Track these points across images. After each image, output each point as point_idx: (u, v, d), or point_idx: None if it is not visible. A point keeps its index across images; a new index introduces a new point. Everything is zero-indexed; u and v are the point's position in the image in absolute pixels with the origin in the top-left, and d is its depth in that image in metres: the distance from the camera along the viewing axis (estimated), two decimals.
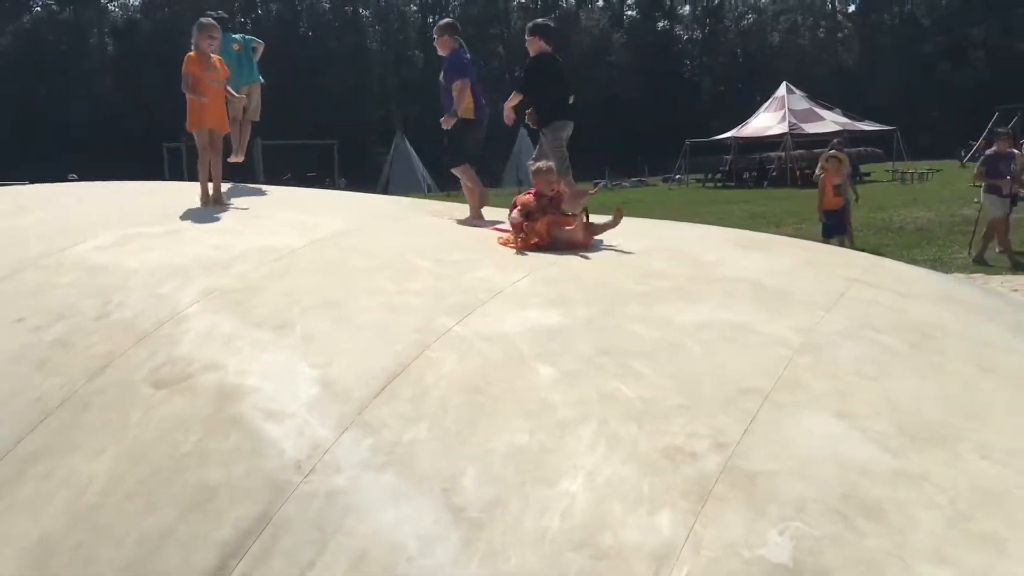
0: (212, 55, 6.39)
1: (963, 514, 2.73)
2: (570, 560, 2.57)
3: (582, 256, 4.89)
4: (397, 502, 2.88)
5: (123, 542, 3.00)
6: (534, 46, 6.40)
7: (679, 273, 4.67)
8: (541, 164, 5.54)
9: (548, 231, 5.16)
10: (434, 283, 4.35)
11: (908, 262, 9.84)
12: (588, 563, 2.57)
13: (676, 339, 3.79)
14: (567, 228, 5.21)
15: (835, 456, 2.98)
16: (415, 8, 71.80)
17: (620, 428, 3.12)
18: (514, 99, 6.39)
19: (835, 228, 11.81)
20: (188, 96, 6.21)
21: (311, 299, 4.15)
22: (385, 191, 36.89)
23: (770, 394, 3.33)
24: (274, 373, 3.62)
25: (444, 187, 44.55)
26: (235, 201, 6.59)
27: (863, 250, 9.79)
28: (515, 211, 5.28)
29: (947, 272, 9.41)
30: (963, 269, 10.03)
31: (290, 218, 5.90)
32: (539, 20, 6.67)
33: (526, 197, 5.38)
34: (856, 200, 13.40)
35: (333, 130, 42.67)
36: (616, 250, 5.15)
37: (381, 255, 4.82)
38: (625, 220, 5.54)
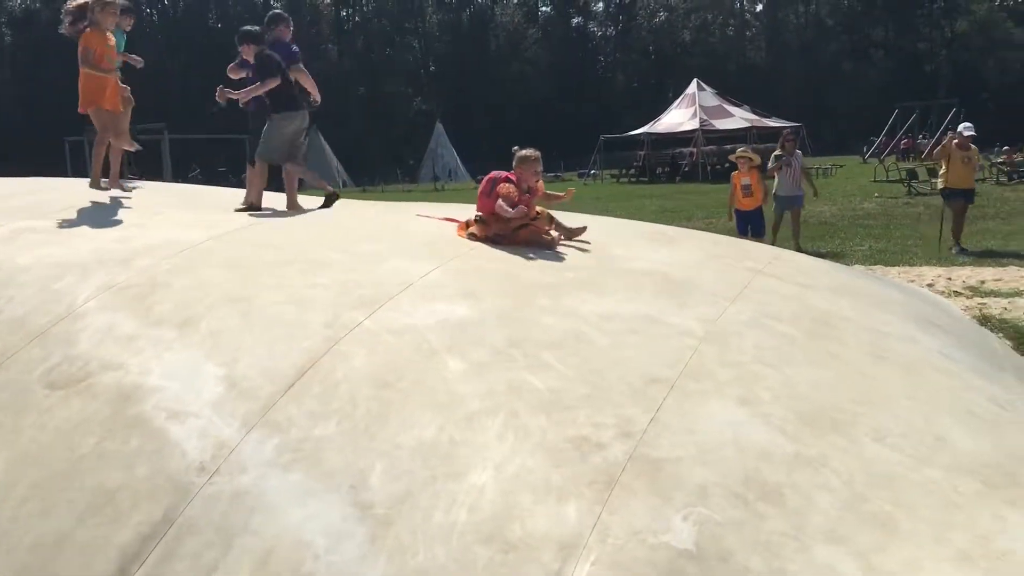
0: (108, 34, 6.17)
1: (858, 495, 2.83)
2: (478, 554, 2.57)
3: (493, 248, 4.89)
4: (304, 500, 2.84)
5: (16, 548, 2.88)
6: (247, 52, 6.63)
7: (588, 265, 4.71)
8: (529, 152, 5.26)
9: (528, 241, 4.98)
10: (344, 276, 4.29)
11: (812, 254, 10.16)
12: (497, 556, 2.57)
13: (584, 331, 3.83)
14: (545, 238, 5.06)
15: (737, 442, 3.05)
16: (328, 1, 70.72)
17: (529, 419, 3.14)
18: (256, 90, 6.42)
19: (747, 228, 11.06)
20: (87, 72, 5.98)
21: (216, 295, 4.05)
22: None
23: (676, 383, 3.39)
24: (177, 372, 3.52)
25: (359, 182, 44.18)
26: (137, 195, 6.39)
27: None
28: (501, 202, 4.92)
29: (848, 264, 9.73)
30: (864, 261, 10.37)
31: (196, 211, 5.75)
32: (242, 28, 6.78)
33: (507, 188, 5.01)
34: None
35: (249, 124, 41.79)
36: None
37: (289, 248, 4.74)
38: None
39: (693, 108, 35.77)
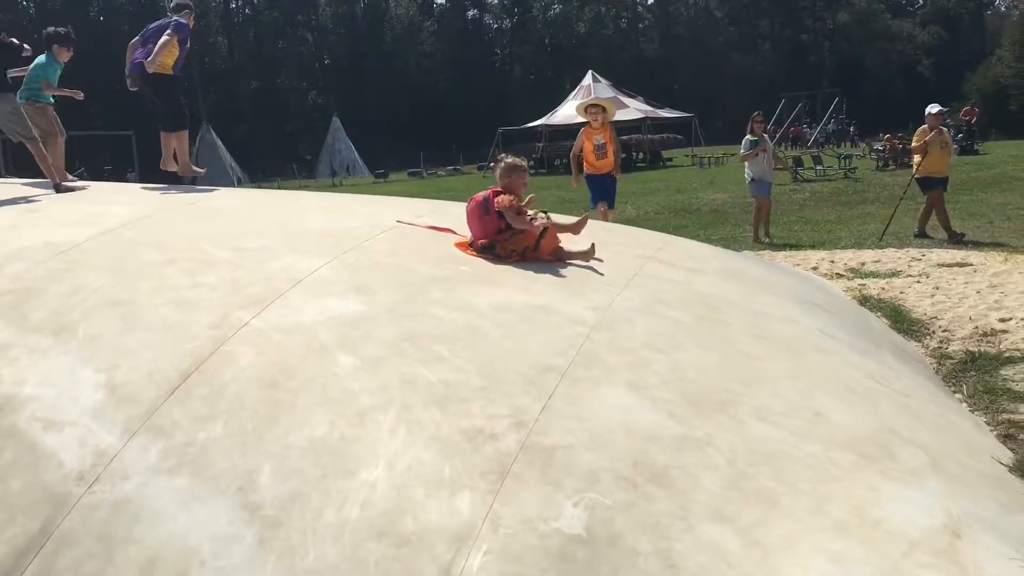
0: None
1: (741, 474, 2.91)
2: (370, 550, 2.55)
3: (385, 242, 4.84)
4: (189, 505, 2.76)
5: None
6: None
7: (480, 258, 4.71)
8: (519, 161, 4.97)
9: (552, 253, 4.72)
10: (232, 274, 4.18)
11: (704, 240, 10.42)
12: (389, 551, 2.56)
13: (477, 323, 3.83)
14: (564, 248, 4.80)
15: (626, 426, 3.11)
16: None
17: (422, 413, 3.12)
18: None
19: (600, 196, 9.53)
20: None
21: (95, 299, 3.89)
22: (192, 183, 35.18)
23: (567, 371, 3.43)
24: (54, 380, 3.37)
25: (254, 178, 43.17)
26: (14, 194, 6.09)
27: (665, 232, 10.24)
28: (513, 215, 4.61)
29: (738, 249, 10.01)
30: (753, 246, 10.70)
31: (74, 209, 5.52)
32: None
33: (507, 199, 4.66)
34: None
35: (134, 120, 40.20)
36: (420, 236, 5.14)
37: (174, 246, 4.59)
38: (434, 206, 5.51)
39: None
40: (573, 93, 38.86)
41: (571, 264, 4.70)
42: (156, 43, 6.99)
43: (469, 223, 4.84)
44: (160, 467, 2.91)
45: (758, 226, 11.69)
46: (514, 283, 4.33)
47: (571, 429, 3.06)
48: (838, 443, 3.18)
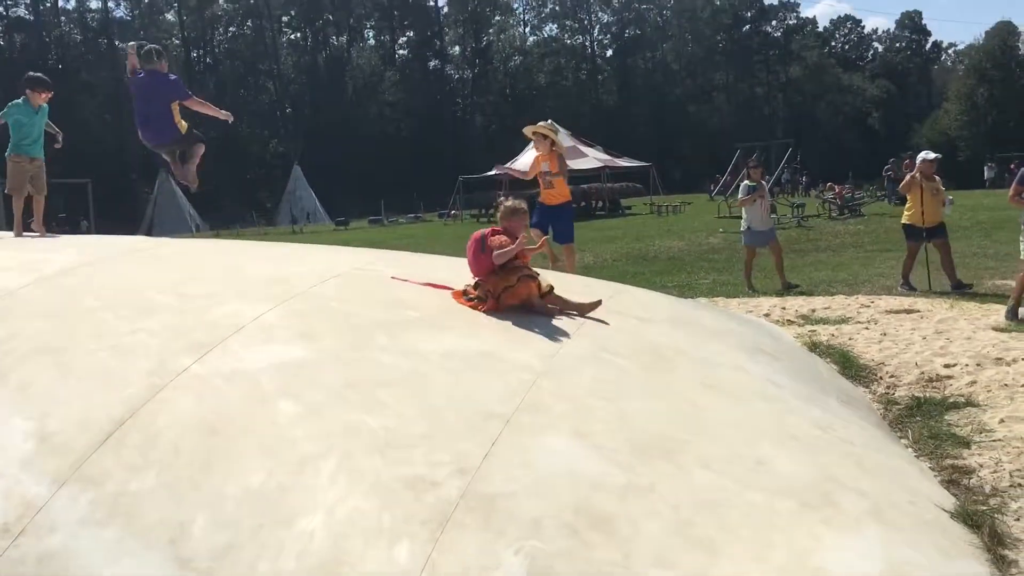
0: None
1: (684, 521, 2.90)
2: None
3: (332, 287, 4.80)
4: (119, 558, 2.68)
5: None
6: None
7: (429, 304, 4.69)
8: (519, 204, 4.94)
9: (529, 301, 4.67)
10: (172, 320, 4.11)
11: (659, 288, 10.50)
12: None
13: (423, 368, 3.80)
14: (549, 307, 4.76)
15: (570, 473, 3.08)
16: (177, 42, 68.79)
17: (363, 460, 3.07)
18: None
19: (548, 228, 8.52)
20: None
21: (28, 346, 3.80)
22: (149, 232, 34.82)
23: (512, 418, 3.40)
24: None
25: (214, 225, 42.84)
26: None
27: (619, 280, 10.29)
28: (496, 251, 4.61)
29: (693, 297, 10.10)
30: (707, 293, 10.78)
31: (13, 256, 5.41)
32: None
33: (500, 239, 4.66)
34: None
35: (92, 168, 39.77)
36: (368, 281, 5.12)
37: (114, 292, 4.51)
38: (383, 253, 5.50)
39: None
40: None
41: (530, 312, 4.69)
42: (161, 110, 7.17)
43: (468, 261, 4.87)
44: (89, 518, 2.82)
45: (750, 275, 11.25)
46: (462, 329, 4.32)
47: (514, 476, 3.03)
48: (780, 491, 3.18)
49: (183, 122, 7.25)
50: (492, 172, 38.48)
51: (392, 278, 5.18)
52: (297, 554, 2.66)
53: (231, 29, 73.96)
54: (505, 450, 3.17)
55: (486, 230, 4.84)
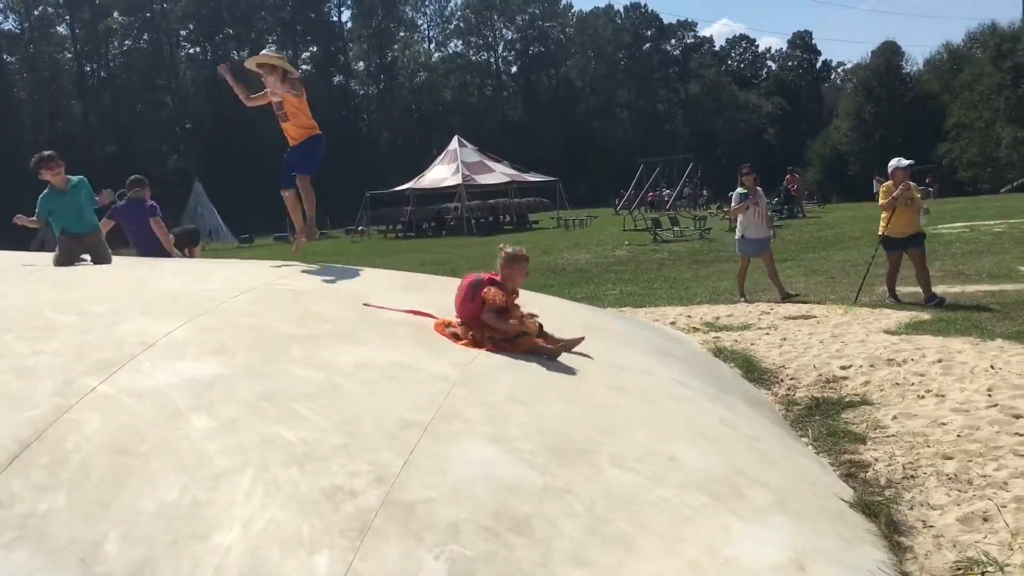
0: None
1: (600, 519, 2.97)
2: None
3: (243, 303, 4.75)
4: None
5: None
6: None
7: (342, 316, 4.69)
8: (520, 251, 4.79)
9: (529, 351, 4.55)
10: (76, 339, 4.00)
11: (568, 299, 10.65)
12: None
13: (338, 380, 3.80)
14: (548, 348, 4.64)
15: (488, 478, 3.13)
16: (70, 56, 66.53)
17: (280, 473, 3.06)
18: None
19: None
20: None
21: None
22: (41, 249, 33.45)
23: (429, 426, 3.43)
24: None
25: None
26: None
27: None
28: (488, 313, 4.54)
29: (602, 307, 10.28)
30: (615, 303, 10.98)
31: None
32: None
33: (493, 293, 4.57)
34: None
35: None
36: (280, 296, 5.07)
37: (12, 313, 4.36)
38: (294, 267, 5.44)
39: (455, 164, 36.74)
40: (440, 158, 39.38)
41: (433, 323, 4.72)
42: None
43: (456, 300, 4.75)
44: None
45: (743, 283, 10.93)
46: (377, 341, 4.33)
47: (433, 483, 3.06)
48: (691, 486, 3.30)
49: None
50: (402, 187, 38.54)
51: (365, 305, 5.04)
52: (215, 568, 2.63)
53: (127, 42, 71.96)
54: (423, 458, 3.20)
55: (484, 275, 4.72)
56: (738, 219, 11.09)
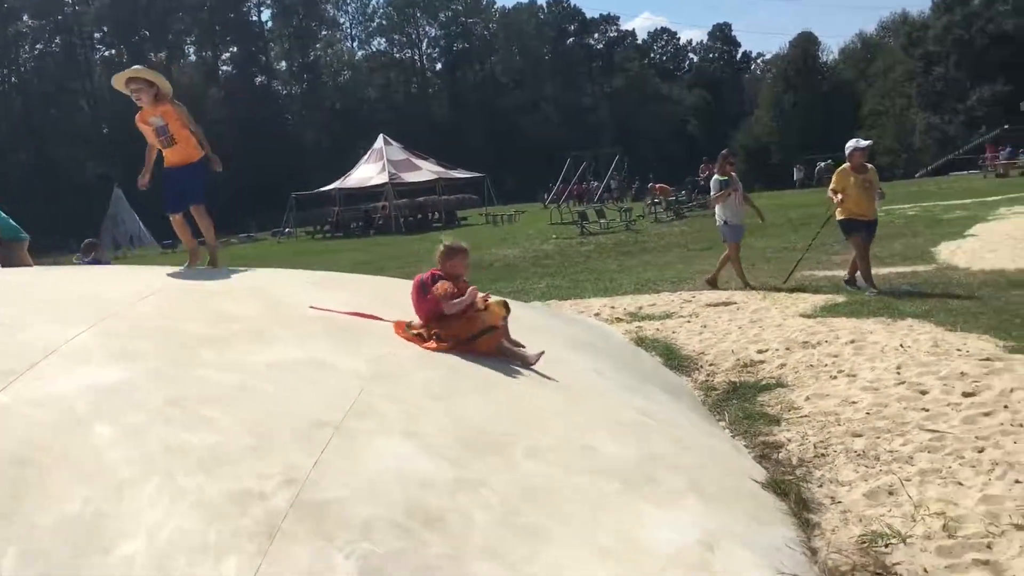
0: None
1: (514, 510, 2.97)
2: None
3: (151, 306, 4.63)
4: None
5: None
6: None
7: (255, 315, 4.60)
8: (460, 244, 4.85)
9: (491, 351, 4.58)
10: None
11: (495, 292, 10.65)
12: None
13: (250, 382, 3.73)
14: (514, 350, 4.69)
15: (401, 474, 3.10)
16: None
17: (186, 480, 2.98)
18: None
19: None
20: None
21: None
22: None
23: (342, 424, 3.39)
24: None
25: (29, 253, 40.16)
26: None
27: None
28: (446, 297, 4.55)
29: (528, 301, 10.31)
30: (541, 296, 11.02)
31: None
32: None
33: (443, 286, 4.59)
34: (762, 220, 11.44)
35: None
36: (190, 298, 4.96)
37: None
38: (203, 269, 5.33)
39: (381, 163, 36.48)
40: (365, 156, 39.05)
41: (349, 320, 4.67)
42: None
43: (413, 303, 4.77)
44: None
45: (742, 270, 10.60)
46: (291, 340, 4.26)
47: (345, 482, 3.02)
48: (606, 473, 3.32)
49: None
50: (328, 187, 38.12)
51: (311, 307, 4.94)
52: None
53: (38, 46, 69.66)
54: (335, 457, 3.16)
55: (425, 274, 4.75)
56: (717, 208, 10.85)
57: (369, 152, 38.93)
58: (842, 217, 9.32)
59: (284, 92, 78.46)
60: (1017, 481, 3.63)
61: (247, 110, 68.52)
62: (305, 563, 2.62)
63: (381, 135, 39.23)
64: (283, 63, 78.44)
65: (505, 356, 4.64)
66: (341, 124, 72.86)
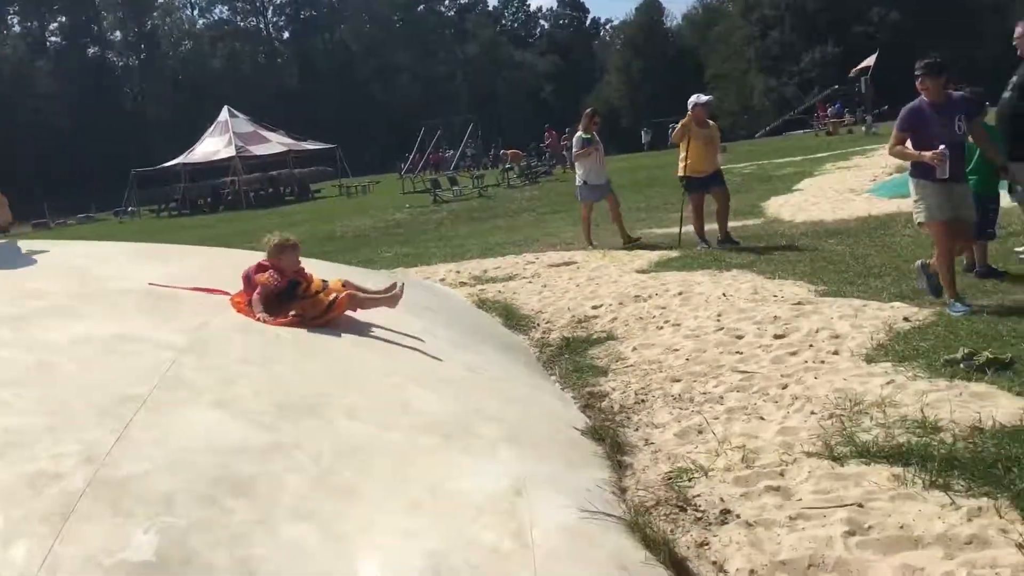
0: None
1: (327, 470, 2.96)
2: None
3: None
4: None
5: None
6: None
7: (61, 290, 4.39)
8: (288, 238, 4.70)
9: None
10: None
11: (343, 262, 10.53)
12: None
13: (52, 360, 3.56)
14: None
15: (210, 443, 3.03)
16: None
17: None
18: None
19: None
20: None
21: None
22: None
23: (150, 397, 3.28)
24: None
25: None
26: None
27: None
28: (256, 298, 4.43)
29: (376, 269, 10.23)
30: (389, 265, 10.89)
31: None
32: None
33: (266, 276, 4.49)
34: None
35: None
36: None
37: None
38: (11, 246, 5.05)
39: (227, 136, 35.20)
40: (210, 130, 37.53)
41: (166, 292, 4.51)
42: None
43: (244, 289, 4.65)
44: None
45: (588, 231, 10.51)
46: (98, 315, 4.09)
47: (149, 456, 2.93)
48: (424, 429, 3.36)
49: None
50: (171, 163, 36.54)
51: (151, 284, 4.73)
52: None
53: None
54: (139, 432, 3.06)
55: (252, 266, 4.67)
56: (577, 166, 10.67)
57: (214, 125, 37.43)
58: (683, 174, 9.47)
59: (121, 64, 74.40)
60: (812, 412, 3.89)
61: (80, 84, 64.65)
62: (100, 541, 2.53)
63: (226, 107, 37.78)
64: (118, 33, 74.29)
65: (365, 307, 4.73)
66: (186, 97, 69.69)
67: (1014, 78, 6.52)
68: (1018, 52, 6.66)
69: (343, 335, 4.40)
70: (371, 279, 6.00)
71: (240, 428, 3.17)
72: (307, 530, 2.66)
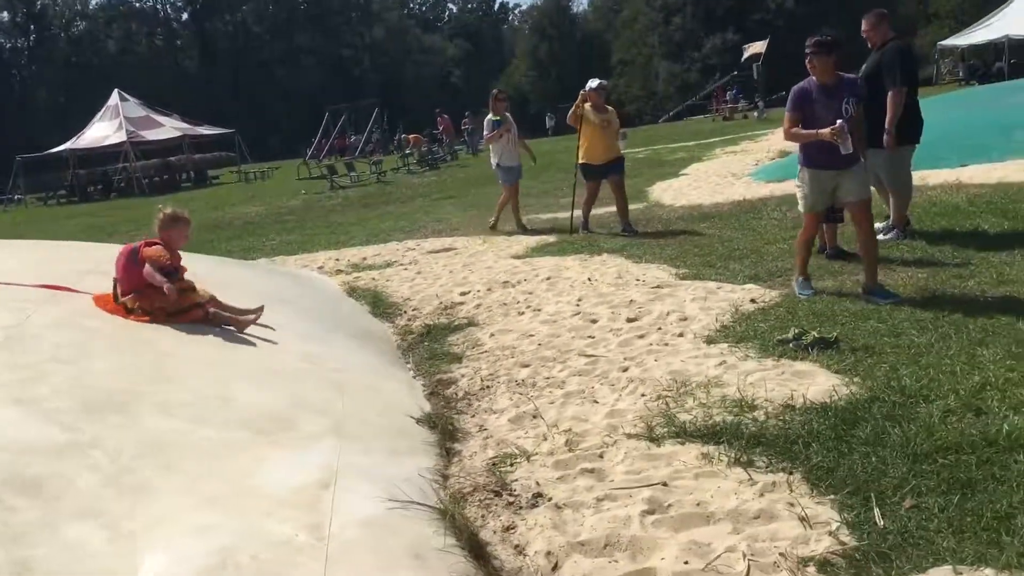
0: None
1: (124, 469, 2.87)
2: None
3: None
4: None
5: None
6: None
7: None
8: (181, 212, 4.61)
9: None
10: None
11: (223, 253, 10.30)
12: None
13: None
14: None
15: (2, 443, 2.91)
16: None
17: None
18: None
19: None
20: None
21: None
22: None
23: None
24: None
25: None
26: None
27: None
28: (150, 268, 4.31)
29: (255, 258, 10.03)
30: (270, 253, 10.67)
31: None
32: None
33: (156, 250, 4.38)
34: (535, 162, 11.25)
35: None
36: None
37: None
38: None
39: (118, 120, 33.91)
40: (100, 114, 36.03)
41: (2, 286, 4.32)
42: None
43: (118, 274, 4.45)
44: None
45: (519, 213, 10.27)
46: None
47: None
48: (240, 424, 3.29)
49: None
50: (58, 149, 35.06)
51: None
52: None
53: None
54: None
55: (140, 242, 4.51)
56: (491, 149, 10.52)
57: (104, 109, 35.95)
58: (581, 161, 9.38)
59: (8, 45, 71.08)
60: (643, 395, 3.95)
61: None
62: None
63: (116, 91, 36.31)
64: (4, 13, 70.92)
65: (219, 323, 4.56)
66: (79, 80, 66.96)
67: (863, 67, 6.76)
68: (868, 44, 6.91)
69: (175, 329, 4.27)
70: (248, 270, 5.86)
71: (36, 427, 3.05)
72: (92, 529, 2.57)
